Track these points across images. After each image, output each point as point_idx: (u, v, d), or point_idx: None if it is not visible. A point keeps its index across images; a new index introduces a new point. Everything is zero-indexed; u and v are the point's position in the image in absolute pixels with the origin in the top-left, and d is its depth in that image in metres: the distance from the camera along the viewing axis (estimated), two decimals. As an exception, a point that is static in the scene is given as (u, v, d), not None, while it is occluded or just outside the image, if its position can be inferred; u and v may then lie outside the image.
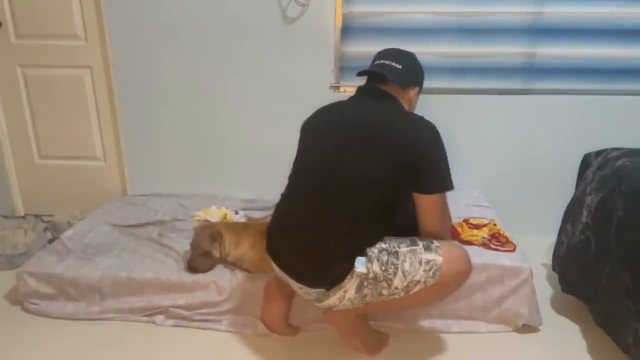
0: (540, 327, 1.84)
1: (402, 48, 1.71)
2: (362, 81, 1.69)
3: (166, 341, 1.80)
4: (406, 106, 1.64)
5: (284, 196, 1.65)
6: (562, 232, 2.02)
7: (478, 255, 1.84)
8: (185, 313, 1.86)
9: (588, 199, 1.85)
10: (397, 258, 1.47)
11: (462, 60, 2.47)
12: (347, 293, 1.49)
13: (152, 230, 2.29)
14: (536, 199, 2.60)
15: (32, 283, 1.93)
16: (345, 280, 1.47)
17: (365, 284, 1.48)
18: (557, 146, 2.53)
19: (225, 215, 2.39)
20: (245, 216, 2.39)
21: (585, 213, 1.84)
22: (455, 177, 2.55)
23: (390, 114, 1.54)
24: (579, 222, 1.87)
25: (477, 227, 2.03)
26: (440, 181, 1.49)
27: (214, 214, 2.39)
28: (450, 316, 1.85)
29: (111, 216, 2.43)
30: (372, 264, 1.46)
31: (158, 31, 2.51)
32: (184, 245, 2.05)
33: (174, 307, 1.87)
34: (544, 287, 2.11)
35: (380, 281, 1.47)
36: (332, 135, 1.55)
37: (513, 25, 2.41)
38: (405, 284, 1.48)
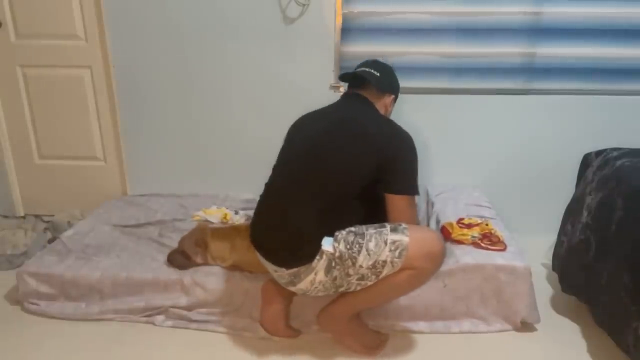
0: (539, 326, 1.84)
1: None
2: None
3: (165, 342, 1.79)
4: (382, 111, 1.78)
5: (267, 186, 1.73)
6: (562, 232, 2.02)
7: (471, 254, 1.85)
8: (185, 313, 1.86)
9: (588, 199, 1.85)
10: (363, 238, 1.54)
11: (462, 60, 2.47)
12: (317, 275, 1.55)
13: (152, 230, 2.30)
14: (536, 199, 2.60)
15: (32, 283, 1.93)
16: (315, 261, 1.53)
17: (333, 264, 1.53)
18: (557, 146, 2.53)
19: (225, 215, 2.38)
20: (245, 215, 2.39)
21: (585, 213, 1.84)
22: (456, 177, 2.62)
23: (367, 116, 1.69)
24: (579, 222, 1.86)
25: (469, 226, 2.02)
26: (407, 184, 1.60)
27: (214, 214, 2.39)
28: (449, 316, 1.85)
29: (111, 216, 2.43)
30: (339, 244, 1.53)
31: (158, 31, 2.51)
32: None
33: (173, 307, 1.87)
34: (544, 287, 2.11)
35: (346, 260, 1.52)
36: (316, 131, 1.67)
37: (512, 25, 2.41)
38: (371, 263, 1.52)
